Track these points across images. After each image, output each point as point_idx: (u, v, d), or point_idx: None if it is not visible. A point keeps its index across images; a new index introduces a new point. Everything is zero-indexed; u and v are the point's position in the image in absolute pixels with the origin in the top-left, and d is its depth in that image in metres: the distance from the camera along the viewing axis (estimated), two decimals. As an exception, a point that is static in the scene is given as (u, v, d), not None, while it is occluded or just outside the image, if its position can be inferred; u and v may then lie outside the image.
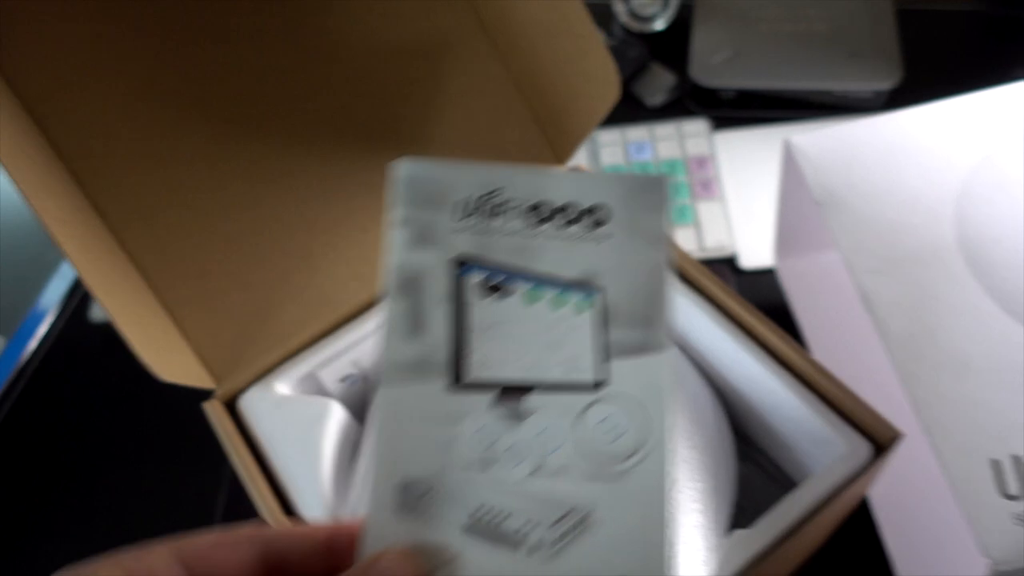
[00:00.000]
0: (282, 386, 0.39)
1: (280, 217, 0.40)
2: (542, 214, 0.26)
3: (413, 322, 0.25)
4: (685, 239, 0.54)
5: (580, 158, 0.58)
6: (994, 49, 0.64)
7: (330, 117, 0.41)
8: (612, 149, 0.58)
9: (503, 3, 0.41)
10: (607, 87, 0.39)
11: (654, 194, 0.26)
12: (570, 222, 0.26)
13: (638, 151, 0.58)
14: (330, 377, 0.41)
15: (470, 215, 0.26)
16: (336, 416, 0.38)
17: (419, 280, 0.26)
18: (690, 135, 0.58)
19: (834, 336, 0.41)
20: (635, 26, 0.65)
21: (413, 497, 0.24)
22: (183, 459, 0.49)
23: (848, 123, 0.41)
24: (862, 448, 0.34)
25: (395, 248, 0.26)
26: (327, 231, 0.41)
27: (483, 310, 0.25)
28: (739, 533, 0.32)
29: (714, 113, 0.60)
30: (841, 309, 0.38)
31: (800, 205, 0.42)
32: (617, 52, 0.63)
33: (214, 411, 0.38)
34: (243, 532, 0.24)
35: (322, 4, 0.40)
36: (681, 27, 0.64)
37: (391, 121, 0.42)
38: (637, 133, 0.59)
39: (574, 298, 0.25)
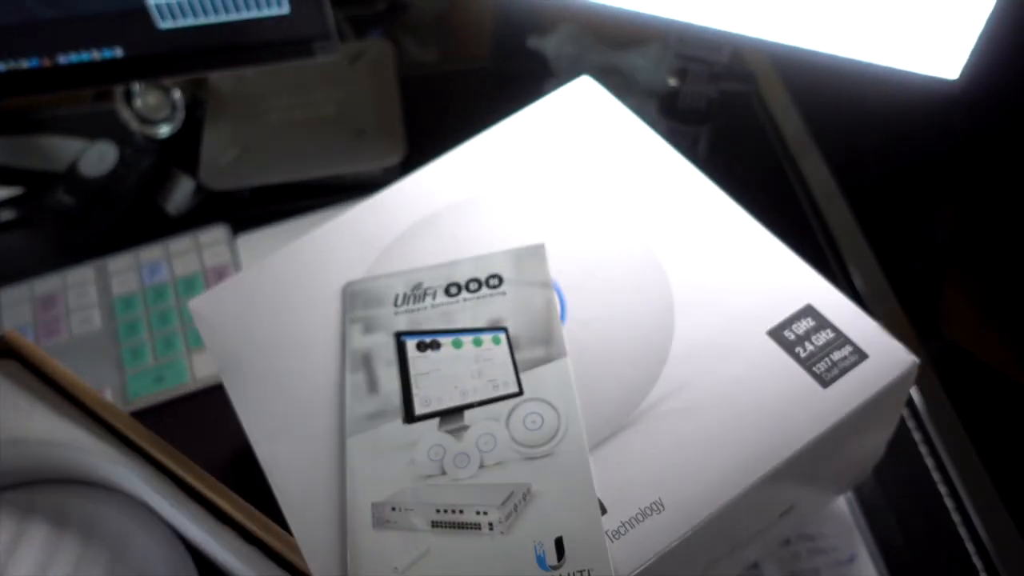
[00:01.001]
0: None
1: None
2: (454, 290, 0.36)
3: (368, 385, 0.34)
4: (207, 362, 0.51)
5: (89, 291, 0.53)
6: (498, 104, 0.68)
7: None
8: (124, 277, 0.54)
9: None
10: None
11: (534, 255, 0.37)
12: (475, 289, 0.36)
13: (152, 273, 0.54)
14: None
15: (403, 303, 0.36)
16: None
17: (369, 357, 0.35)
18: (208, 244, 0.56)
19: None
20: (148, 131, 0.61)
21: (384, 513, 0.31)
22: None
23: (241, 272, 0.39)
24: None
25: (351, 338, 0.35)
26: None
27: (421, 363, 0.34)
28: None
29: (239, 214, 0.58)
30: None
31: None
32: (130, 164, 0.59)
33: None
34: None
35: None
36: (198, 129, 0.62)
37: None
38: (152, 253, 0.55)
39: (488, 336, 0.35)
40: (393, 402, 0.34)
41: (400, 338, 0.35)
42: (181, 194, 0.60)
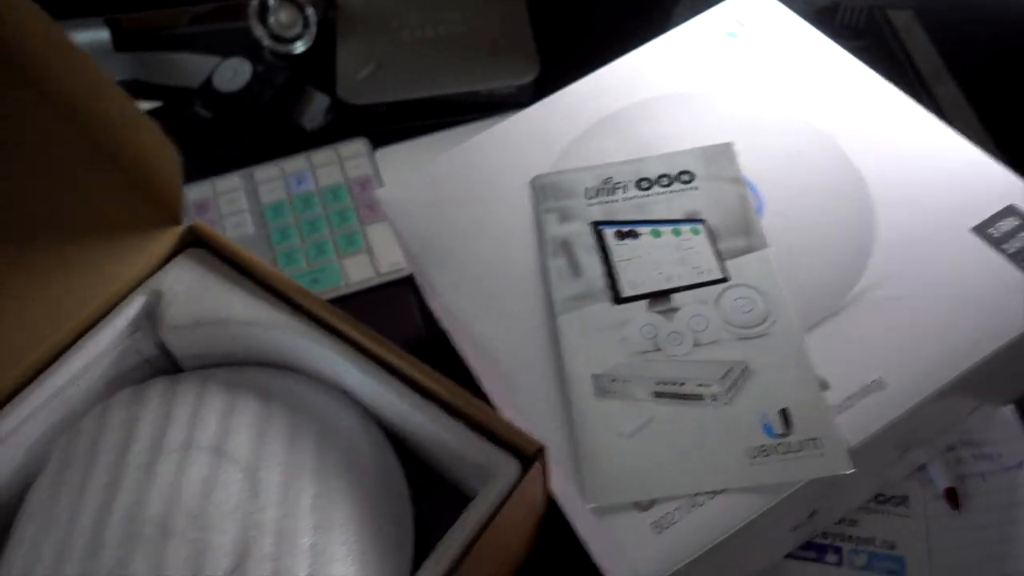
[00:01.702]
0: None
1: None
2: (645, 184, 0.37)
3: (571, 270, 0.35)
4: (359, 267, 0.52)
5: (239, 199, 0.55)
6: (626, 26, 0.68)
7: None
8: (271, 185, 0.55)
9: (62, 87, 0.37)
10: (169, 153, 0.36)
11: (723, 154, 0.37)
12: (667, 184, 0.37)
13: (298, 183, 0.55)
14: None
15: (595, 196, 0.37)
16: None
17: (568, 243, 0.36)
18: (349, 157, 0.57)
19: (480, 365, 0.41)
20: (281, 49, 0.62)
21: (605, 383, 0.32)
22: None
23: (430, 163, 0.40)
24: (510, 465, 0.34)
25: (546, 226, 0.37)
26: None
27: (621, 250, 0.36)
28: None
29: (374, 130, 0.59)
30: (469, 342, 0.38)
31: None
32: (264, 79, 0.60)
33: None
34: None
35: None
36: (330, 46, 0.63)
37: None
38: (296, 164, 0.56)
39: (686, 227, 0.36)
40: (598, 285, 0.35)
41: (598, 227, 0.36)
42: (316, 110, 0.60)
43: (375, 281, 0.52)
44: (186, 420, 0.36)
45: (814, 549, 0.40)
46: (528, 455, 0.34)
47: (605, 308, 0.34)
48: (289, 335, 0.38)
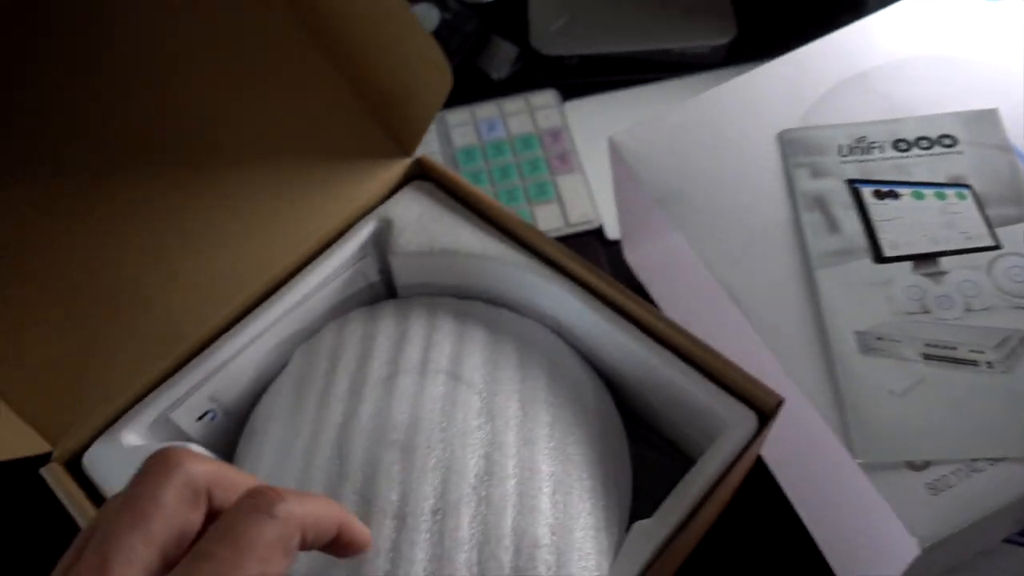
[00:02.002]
0: (131, 436, 0.35)
1: (94, 249, 0.35)
2: (903, 146, 0.36)
3: (827, 225, 0.34)
4: (549, 216, 0.52)
5: (431, 141, 0.56)
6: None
7: (136, 134, 0.37)
8: (463, 129, 0.56)
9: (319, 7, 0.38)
10: (439, 77, 0.36)
11: (987, 119, 0.36)
12: (927, 147, 0.36)
13: (489, 129, 0.56)
14: (185, 417, 0.37)
15: (849, 154, 0.36)
16: (198, 461, 0.34)
17: (822, 199, 0.35)
18: (540, 107, 0.57)
19: (696, 315, 0.41)
20: (470, -2, 0.63)
21: (870, 341, 0.31)
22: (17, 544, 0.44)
23: (664, 110, 0.40)
24: (748, 418, 0.33)
25: (797, 181, 0.36)
26: (156, 258, 0.37)
27: (881, 209, 0.35)
28: (640, 525, 0.31)
29: (561, 82, 0.59)
30: (698, 291, 0.38)
31: (636, 199, 0.41)
32: (453, 27, 0.61)
33: (54, 475, 0.33)
34: None
35: (108, 12, 0.36)
36: (517, -3, 0.63)
37: (208, 131, 0.38)
38: (487, 111, 0.57)
39: (951, 191, 0.35)
40: (857, 242, 0.34)
41: (854, 185, 0.35)
42: (503, 59, 0.61)
43: (564, 231, 0.52)
44: (420, 342, 0.37)
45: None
46: (767, 409, 0.34)
47: (866, 266, 0.33)
48: (518, 270, 0.38)
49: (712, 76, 0.58)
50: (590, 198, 0.53)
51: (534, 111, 0.57)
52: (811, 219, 0.35)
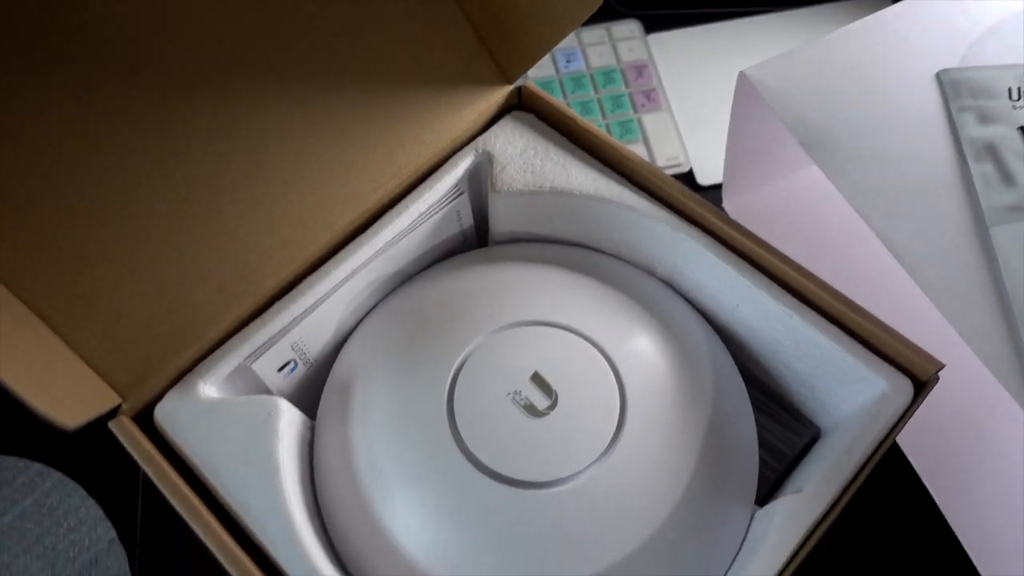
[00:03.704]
0: (208, 387, 0.31)
1: (167, 177, 0.31)
2: None
3: (1001, 177, 0.31)
4: (633, 157, 0.48)
5: (503, 72, 0.51)
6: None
7: (217, 49, 0.32)
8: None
9: None
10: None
11: None
12: None
13: (568, 61, 0.51)
14: (266, 368, 0.33)
15: (1019, 98, 0.32)
16: (285, 415, 0.31)
17: (994, 147, 0.31)
18: (622, 39, 0.52)
19: (820, 270, 0.37)
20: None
21: None
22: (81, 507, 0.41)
23: (804, 45, 0.35)
24: (903, 385, 0.30)
25: (963, 127, 0.32)
26: (235, 190, 0.32)
27: None
28: (793, 498, 0.28)
29: (643, 12, 0.54)
30: (840, 247, 0.34)
31: (760, 140, 0.37)
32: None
33: (124, 430, 0.30)
34: None
35: None
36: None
37: (299, 52, 0.34)
38: (565, 40, 0.52)
39: None
40: (1037, 197, 0.30)
41: (1031, 132, 0.31)
42: (578, -16, 0.56)
43: (649, 176, 0.48)
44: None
45: None
46: (924, 377, 0.30)
47: (1049, 223, 0.29)
48: (637, 216, 0.34)
49: (811, 12, 0.53)
50: (679, 139, 0.49)
51: (616, 43, 0.52)
52: (982, 170, 0.31)
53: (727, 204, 0.45)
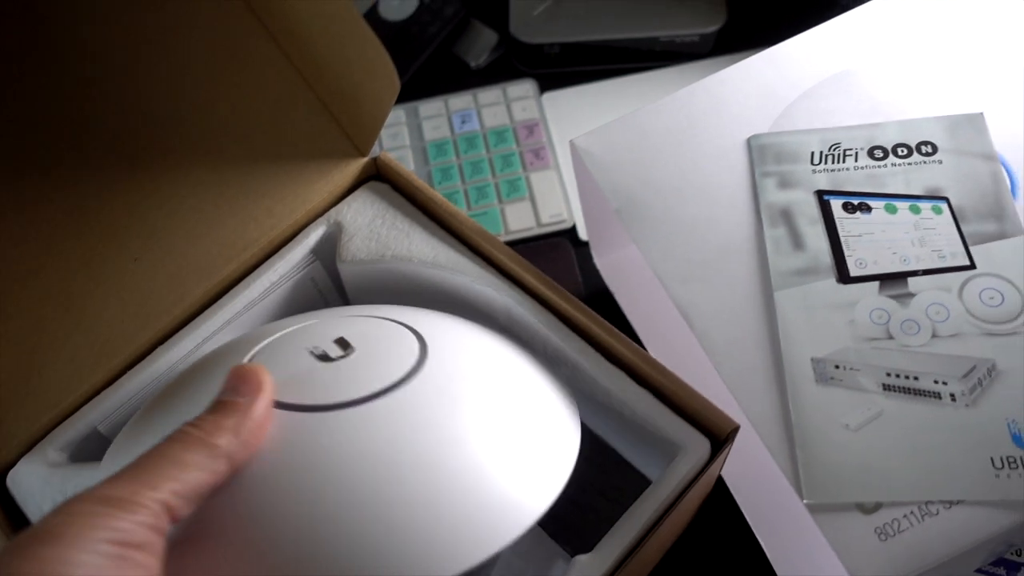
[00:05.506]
0: (57, 454, 0.34)
1: (21, 256, 0.34)
2: (879, 153, 0.34)
3: (792, 241, 0.32)
4: (520, 214, 0.50)
5: (402, 134, 0.54)
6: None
7: (70, 130, 0.35)
8: (435, 122, 0.54)
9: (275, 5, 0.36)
10: (386, 83, 0.34)
11: (972, 124, 0.33)
12: (905, 155, 0.33)
13: (463, 122, 0.54)
14: (118, 433, 0.35)
15: (821, 162, 0.34)
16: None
17: (789, 212, 0.33)
18: (517, 98, 0.54)
19: (660, 328, 0.39)
20: (451, -19, 0.60)
21: (827, 369, 0.29)
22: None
23: (632, 112, 0.37)
24: (701, 443, 0.31)
25: (764, 192, 0.34)
26: (86, 266, 0.35)
27: (850, 224, 0.32)
28: (581, 559, 0.30)
29: (541, 71, 0.56)
30: (660, 304, 0.35)
31: (600, 205, 0.39)
32: (432, 11, 0.58)
33: (-25, 495, 0.32)
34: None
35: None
36: (500, -20, 0.60)
37: (149, 128, 0.37)
38: (461, 101, 0.55)
39: (927, 204, 0.32)
40: (822, 260, 0.31)
41: (824, 197, 0.33)
42: (482, 46, 0.58)
43: (535, 231, 0.50)
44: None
45: (1004, 566, 0.37)
46: (721, 435, 0.32)
47: (830, 286, 0.31)
48: (472, 281, 0.36)
49: (699, 66, 0.55)
50: (564, 196, 0.51)
51: (511, 102, 0.54)
52: (775, 235, 0.32)
53: (598, 262, 0.46)
